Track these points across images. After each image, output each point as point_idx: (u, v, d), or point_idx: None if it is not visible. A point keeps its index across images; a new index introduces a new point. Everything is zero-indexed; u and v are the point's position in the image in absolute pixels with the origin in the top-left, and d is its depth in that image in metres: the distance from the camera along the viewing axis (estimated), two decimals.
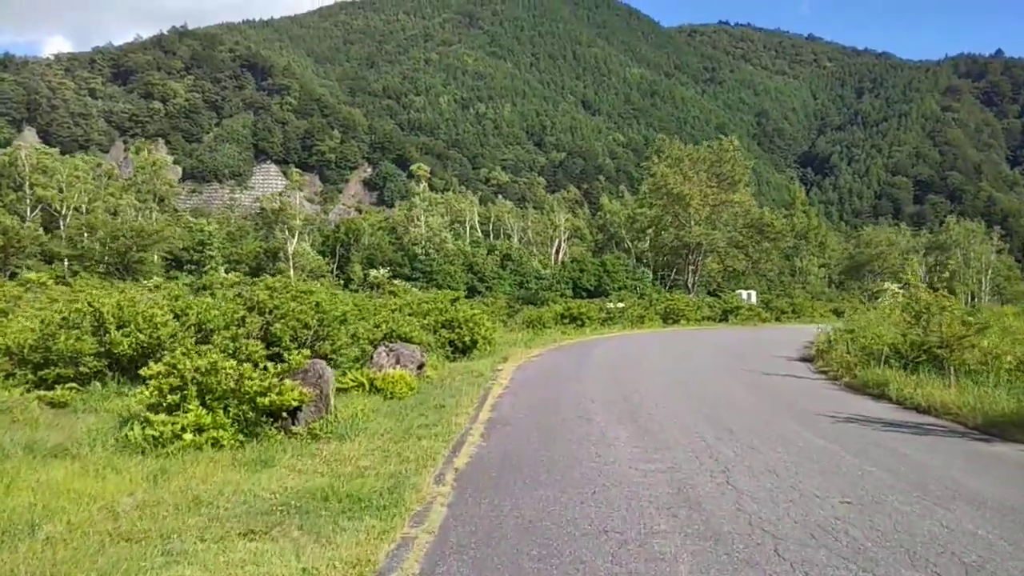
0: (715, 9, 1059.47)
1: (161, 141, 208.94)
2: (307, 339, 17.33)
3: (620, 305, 54.20)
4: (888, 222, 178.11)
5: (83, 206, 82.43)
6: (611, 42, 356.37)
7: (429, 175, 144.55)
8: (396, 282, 75.61)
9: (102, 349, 15.45)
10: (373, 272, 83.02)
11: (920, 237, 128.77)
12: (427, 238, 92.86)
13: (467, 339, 24.99)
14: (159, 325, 15.45)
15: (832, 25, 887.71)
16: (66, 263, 69.81)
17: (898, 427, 13.78)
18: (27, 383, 14.66)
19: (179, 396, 11.18)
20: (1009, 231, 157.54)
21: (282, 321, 17.28)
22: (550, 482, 8.98)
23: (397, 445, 10.90)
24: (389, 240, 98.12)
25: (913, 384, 17.52)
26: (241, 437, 11.00)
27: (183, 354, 11.54)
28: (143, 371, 11.73)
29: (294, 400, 11.23)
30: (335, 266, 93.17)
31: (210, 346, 15.40)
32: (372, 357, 17.80)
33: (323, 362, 12.79)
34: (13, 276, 52.72)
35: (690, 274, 77.84)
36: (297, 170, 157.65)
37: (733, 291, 78.09)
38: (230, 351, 15.27)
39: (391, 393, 16.17)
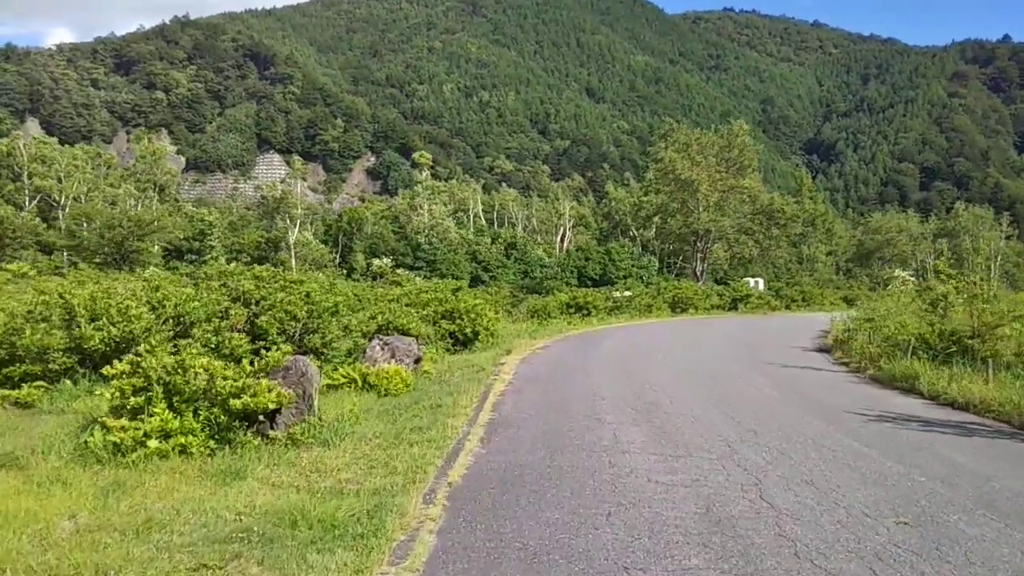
0: None
1: (164, 131, 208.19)
2: (296, 332, 16.19)
3: (627, 294, 52.90)
4: (894, 209, 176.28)
5: (82, 196, 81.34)
6: (615, 29, 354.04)
7: (432, 164, 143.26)
8: (399, 271, 74.62)
9: (72, 344, 14.31)
10: (376, 262, 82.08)
11: (928, 224, 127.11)
12: (430, 227, 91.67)
13: (468, 331, 23.77)
14: (133, 318, 14.27)
15: (837, 11, 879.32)
16: (65, 254, 68.84)
17: (937, 427, 12.58)
18: None
19: (144, 398, 10.02)
20: (1017, 217, 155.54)
21: (269, 313, 16.12)
22: (558, 501, 7.77)
23: (386, 452, 9.71)
24: (392, 229, 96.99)
25: (946, 378, 16.33)
26: (212, 444, 9.85)
27: (148, 351, 10.35)
28: (105, 370, 10.59)
29: (271, 402, 10.05)
30: (338, 256, 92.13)
31: (189, 340, 14.28)
32: (365, 351, 16.62)
33: (306, 359, 11.60)
34: None
35: (698, 262, 76.39)
36: (299, 158, 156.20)
37: (740, 279, 76.82)
38: (212, 345, 14.19)
39: (385, 390, 15.02)
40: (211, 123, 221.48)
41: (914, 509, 7.65)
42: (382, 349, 16.43)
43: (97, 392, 10.38)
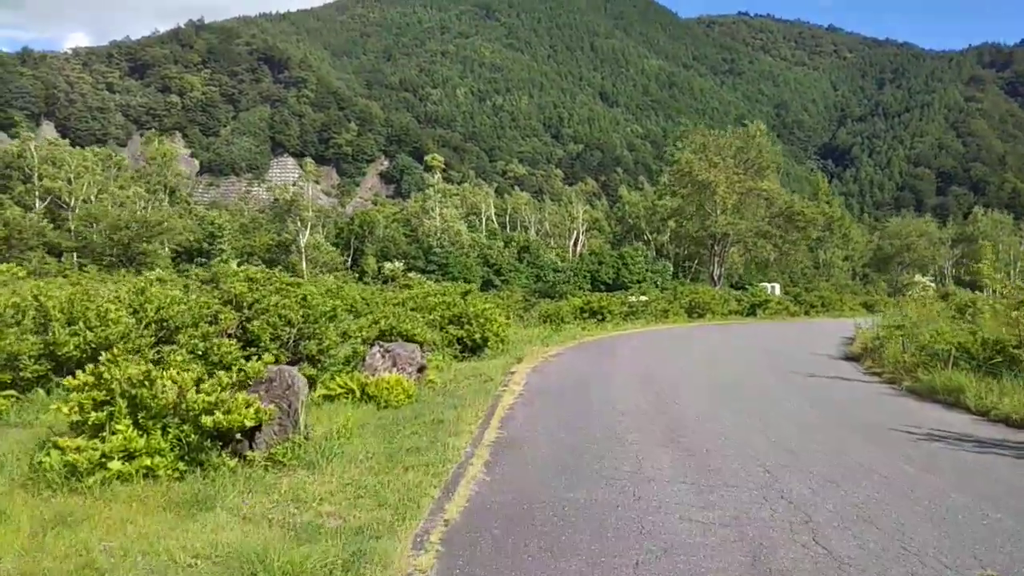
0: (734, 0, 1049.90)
1: (178, 135, 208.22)
2: (290, 338, 15.02)
3: (643, 298, 51.57)
4: (910, 214, 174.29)
5: (92, 198, 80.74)
6: (629, 33, 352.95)
7: (445, 167, 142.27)
8: (411, 275, 73.70)
9: (46, 350, 13.19)
10: (388, 265, 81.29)
11: (947, 229, 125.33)
12: (442, 230, 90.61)
13: (477, 336, 22.48)
14: (111, 322, 13.14)
15: (853, 15, 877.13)
16: (75, 256, 68.17)
17: (996, 448, 11.27)
18: None
19: (105, 413, 8.87)
20: None
21: (262, 317, 14.96)
22: (574, 546, 6.50)
23: (377, 478, 8.48)
24: (404, 232, 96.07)
25: (996, 391, 14.98)
26: (182, 466, 8.68)
27: (110, 360, 9.19)
28: (67, 381, 9.45)
29: (249, 419, 8.86)
30: (350, 259, 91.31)
31: (174, 347, 13.17)
32: (365, 359, 15.44)
33: (292, 369, 10.41)
34: None
35: (716, 266, 74.82)
36: (311, 160, 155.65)
37: (755, 284, 75.34)
38: (199, 352, 13.06)
39: (385, 401, 13.82)
40: (225, 127, 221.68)
41: (999, 557, 6.41)
42: (382, 357, 15.26)
43: (53, 407, 9.28)
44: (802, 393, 16.92)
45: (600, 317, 42.70)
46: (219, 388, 9.15)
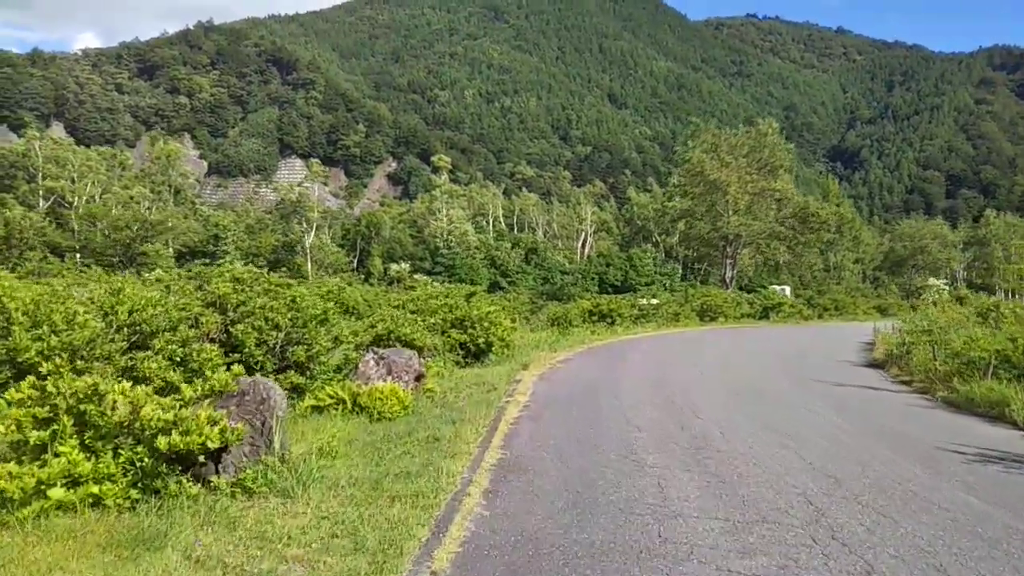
0: (742, 2, 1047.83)
1: (187, 136, 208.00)
2: (277, 343, 13.85)
3: (654, 301, 50.34)
4: (920, 217, 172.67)
5: (95, 197, 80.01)
6: (637, 35, 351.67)
7: (452, 169, 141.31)
8: (417, 276, 72.80)
9: (6, 356, 12.04)
10: (394, 266, 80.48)
11: (958, 232, 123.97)
12: (448, 231, 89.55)
13: (481, 341, 21.24)
14: (78, 326, 11.97)
15: (862, 17, 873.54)
16: (78, 256, 67.42)
17: None
18: None
19: (48, 433, 7.70)
20: None
21: (247, 321, 13.80)
22: None
23: (358, 511, 7.26)
24: (410, 234, 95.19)
25: None
26: (134, 493, 7.52)
27: (52, 371, 8.03)
28: (8, 395, 8.30)
29: (212, 439, 7.66)
30: (355, 260, 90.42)
31: (149, 353, 12.00)
32: (358, 366, 14.26)
33: (268, 381, 9.22)
34: (14, 269, 49.97)
35: (727, 268, 73.36)
36: (317, 161, 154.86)
37: (766, 286, 74.03)
38: (177, 359, 11.92)
39: (378, 413, 12.64)
40: (233, 128, 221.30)
41: None
42: (377, 364, 14.07)
43: None
44: (830, 405, 15.66)
45: (610, 320, 41.54)
46: (179, 403, 7.99)
